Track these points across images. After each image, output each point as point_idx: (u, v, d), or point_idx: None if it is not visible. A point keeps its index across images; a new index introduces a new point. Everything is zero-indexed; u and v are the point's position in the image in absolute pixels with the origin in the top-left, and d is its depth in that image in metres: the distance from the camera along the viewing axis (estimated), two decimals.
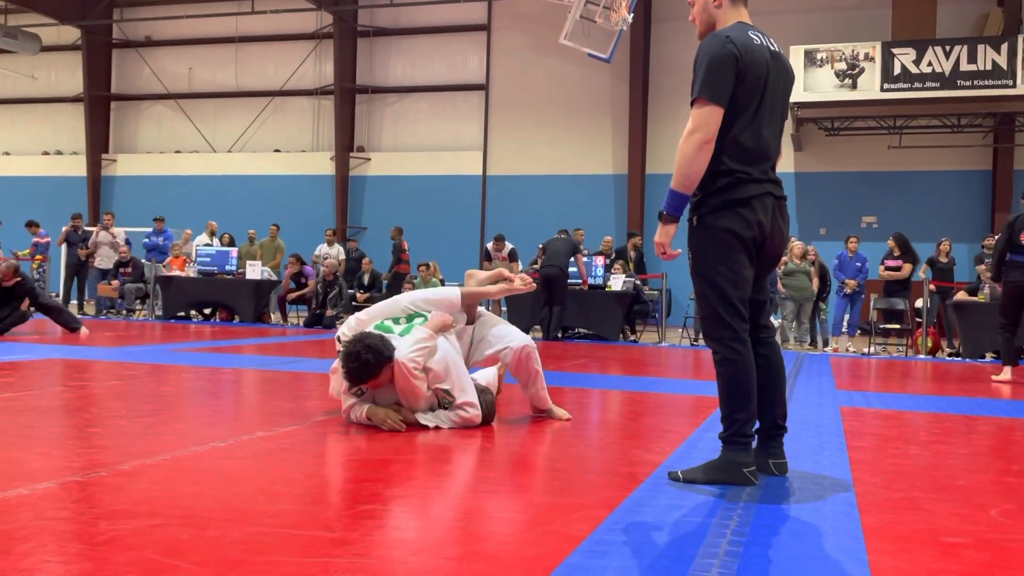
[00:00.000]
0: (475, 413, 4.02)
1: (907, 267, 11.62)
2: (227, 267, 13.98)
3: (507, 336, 4.40)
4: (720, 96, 2.91)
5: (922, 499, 2.89)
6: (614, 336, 12.20)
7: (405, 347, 3.91)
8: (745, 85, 2.95)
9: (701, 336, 12.19)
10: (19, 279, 9.14)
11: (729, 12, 3.10)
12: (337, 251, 14.97)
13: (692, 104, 2.95)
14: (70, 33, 22.44)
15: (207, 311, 14.31)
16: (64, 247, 15.01)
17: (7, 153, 23.78)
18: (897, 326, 11.86)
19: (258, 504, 2.58)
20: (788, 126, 15.16)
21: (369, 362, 3.82)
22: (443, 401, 4.02)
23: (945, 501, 2.88)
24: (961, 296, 11.12)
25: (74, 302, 14.98)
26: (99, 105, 22.63)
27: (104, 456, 3.23)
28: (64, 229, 15.05)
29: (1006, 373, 7.34)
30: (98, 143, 22.62)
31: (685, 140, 2.91)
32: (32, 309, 9.38)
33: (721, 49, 2.93)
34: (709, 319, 3.07)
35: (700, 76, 2.93)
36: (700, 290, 3.09)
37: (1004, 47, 15.24)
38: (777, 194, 3.09)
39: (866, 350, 11.56)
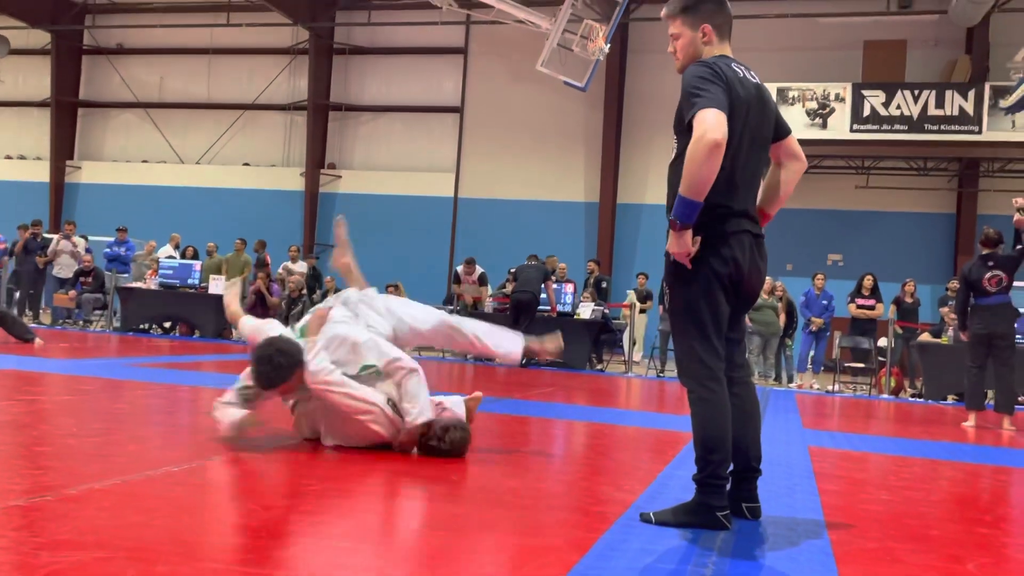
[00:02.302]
0: (410, 365, 3.89)
1: (880, 306, 11.75)
2: (189, 280, 13.72)
3: (409, 322, 4.28)
4: (720, 103, 2.80)
5: (898, 550, 2.83)
6: (581, 364, 12.13)
7: (312, 368, 3.80)
8: (731, 117, 2.88)
9: (664, 369, 12.18)
10: None
11: (715, 48, 3.06)
12: (302, 267, 14.79)
13: (689, 122, 2.82)
14: (40, 37, 22.09)
15: (167, 325, 14.03)
16: (21, 254, 14.63)
17: None
18: (862, 365, 11.93)
19: (211, 537, 2.45)
20: None
21: (281, 365, 3.73)
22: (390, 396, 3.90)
23: (921, 552, 2.82)
24: (925, 337, 11.22)
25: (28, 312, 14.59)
26: (66, 111, 22.26)
27: (51, 478, 3.07)
28: (23, 235, 14.70)
29: (972, 419, 7.35)
30: (63, 149, 22.22)
31: (693, 145, 2.75)
32: None
33: (709, 71, 2.88)
34: (685, 356, 3.00)
35: (693, 94, 2.83)
36: (676, 326, 3.02)
37: (971, 94, 15.53)
38: (755, 232, 3.03)
39: (830, 387, 11.61)
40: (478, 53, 20.07)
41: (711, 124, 2.74)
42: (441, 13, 16.71)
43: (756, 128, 3.01)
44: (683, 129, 2.93)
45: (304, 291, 13.46)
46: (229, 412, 3.89)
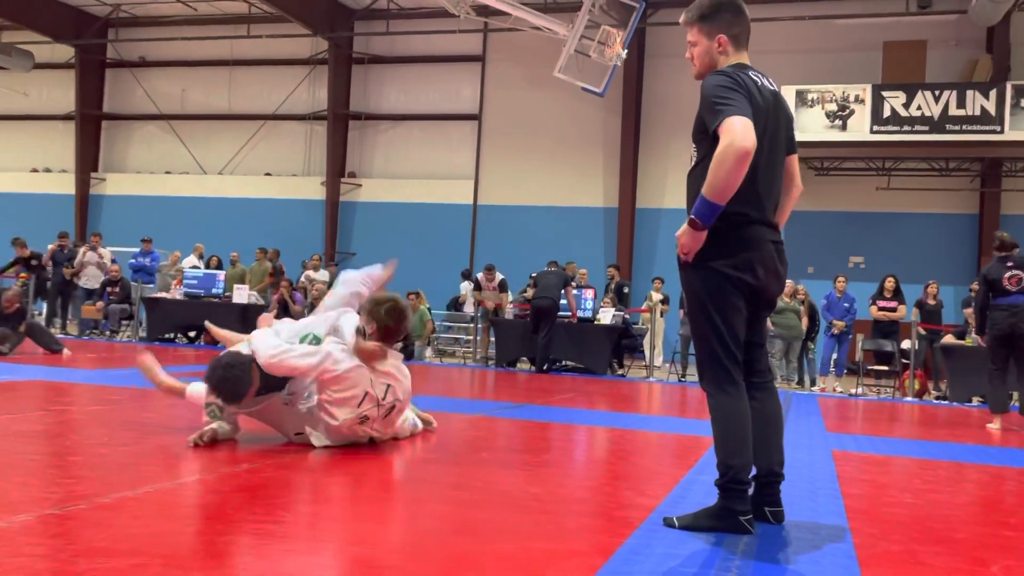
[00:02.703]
0: (343, 310, 4.47)
1: (903, 308, 11.67)
2: (213, 290, 13.86)
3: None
4: (746, 112, 2.82)
5: (922, 553, 2.84)
6: (602, 370, 12.14)
7: (259, 350, 4.03)
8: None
9: (685, 373, 12.15)
10: (19, 305, 9.17)
11: (732, 57, 3.09)
12: (324, 276, 14.89)
13: (715, 130, 2.84)
14: (64, 51, 22.40)
15: (192, 334, 14.17)
16: (50, 266, 14.84)
17: None
18: (885, 367, 11.85)
19: (243, 544, 2.50)
20: None
21: (239, 367, 3.93)
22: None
23: (945, 555, 2.83)
24: (949, 339, 11.14)
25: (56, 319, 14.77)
26: (90, 123, 22.56)
27: (84, 487, 3.14)
28: (50, 248, 14.91)
29: (997, 422, 7.29)
30: (87, 161, 22.52)
31: (723, 151, 2.76)
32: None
33: (729, 80, 2.92)
34: (705, 361, 3.02)
35: (716, 103, 2.85)
36: (696, 331, 3.04)
37: (992, 93, 15.41)
38: (775, 239, 3.05)
39: (853, 390, 11.55)
40: (496, 60, 20.14)
41: (740, 132, 2.76)
42: (459, 21, 16.77)
43: (774, 135, 3.04)
44: (703, 137, 2.96)
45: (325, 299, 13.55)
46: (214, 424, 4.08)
